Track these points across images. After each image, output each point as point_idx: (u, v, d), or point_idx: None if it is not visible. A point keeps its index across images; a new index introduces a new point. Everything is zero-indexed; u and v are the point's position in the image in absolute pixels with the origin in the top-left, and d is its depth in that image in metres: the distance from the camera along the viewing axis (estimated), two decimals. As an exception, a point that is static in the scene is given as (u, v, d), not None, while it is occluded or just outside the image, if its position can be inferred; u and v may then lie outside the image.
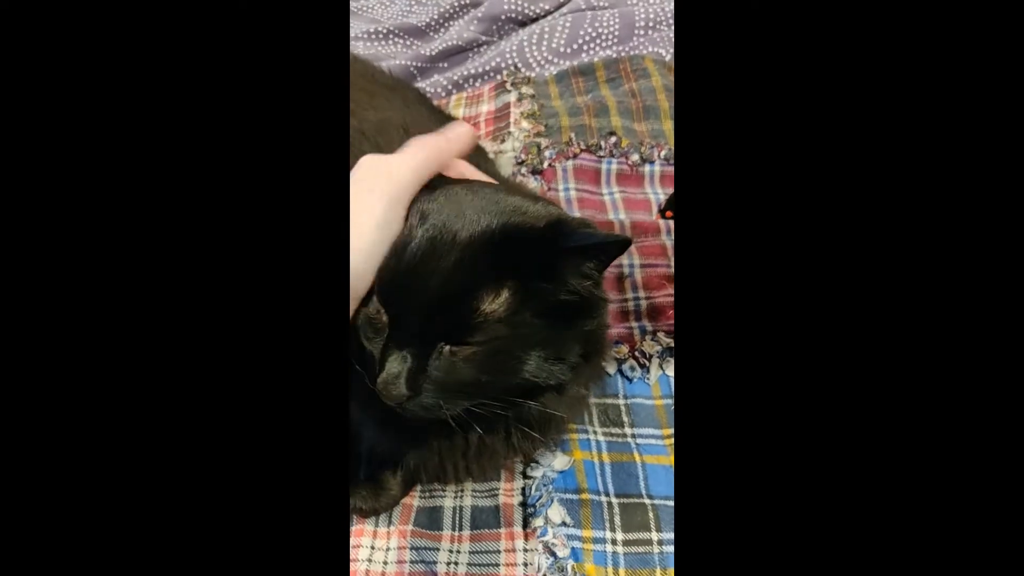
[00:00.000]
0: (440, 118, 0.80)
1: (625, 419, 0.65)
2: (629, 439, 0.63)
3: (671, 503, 0.57)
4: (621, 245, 0.41)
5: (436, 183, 0.46)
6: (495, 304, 0.39)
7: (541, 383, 0.43)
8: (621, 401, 0.66)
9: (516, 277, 0.39)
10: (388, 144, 0.67)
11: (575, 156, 0.89)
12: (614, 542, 0.55)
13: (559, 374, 0.43)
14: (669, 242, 0.79)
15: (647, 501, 0.58)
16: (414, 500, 0.60)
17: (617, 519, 0.56)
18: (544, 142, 0.91)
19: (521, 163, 0.89)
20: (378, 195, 0.40)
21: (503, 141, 0.94)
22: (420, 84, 1.17)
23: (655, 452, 0.62)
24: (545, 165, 0.89)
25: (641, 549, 0.54)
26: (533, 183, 0.87)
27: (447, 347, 0.40)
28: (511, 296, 0.39)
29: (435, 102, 1.05)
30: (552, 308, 0.41)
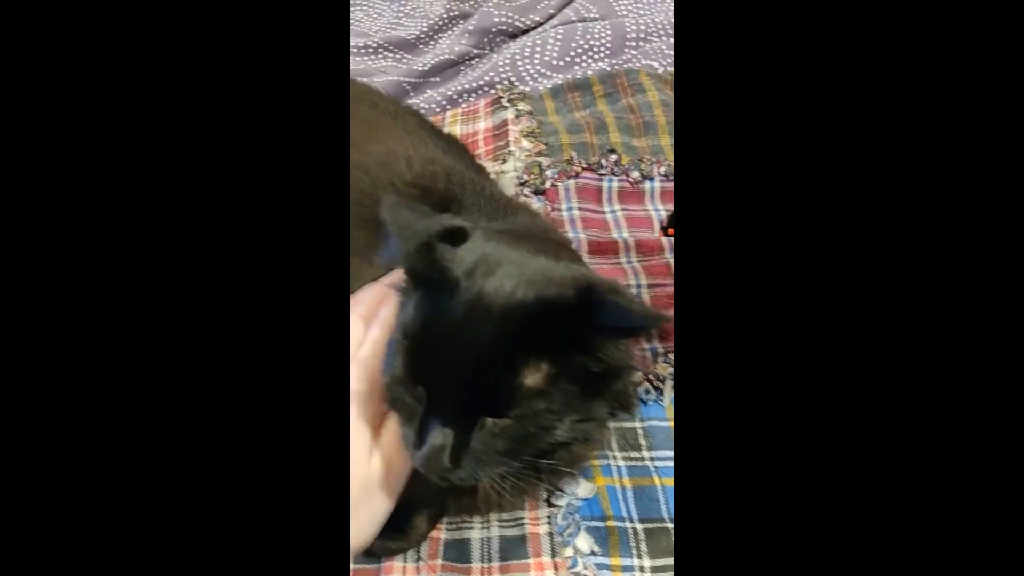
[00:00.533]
0: (443, 142, 0.80)
1: (643, 442, 0.66)
2: (648, 462, 0.64)
3: (692, 525, 0.59)
4: (656, 324, 0.42)
5: (453, 233, 0.45)
6: (535, 378, 0.40)
7: (569, 442, 0.44)
8: (638, 424, 0.67)
9: (553, 351, 0.40)
10: (391, 178, 0.67)
11: (577, 175, 0.90)
12: (642, 569, 0.56)
13: (588, 432, 0.45)
14: (673, 260, 0.81)
15: (669, 525, 0.59)
16: (441, 533, 0.61)
17: (643, 545, 0.57)
18: (545, 161, 0.92)
19: (523, 183, 0.90)
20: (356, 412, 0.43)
21: (504, 161, 0.95)
22: (414, 100, 1.17)
23: (673, 474, 0.63)
24: (547, 185, 0.89)
25: (668, 575, 0.56)
26: (536, 204, 0.88)
27: (488, 420, 0.40)
28: (549, 369, 0.40)
29: (430, 118, 1.05)
30: (585, 376, 0.42)
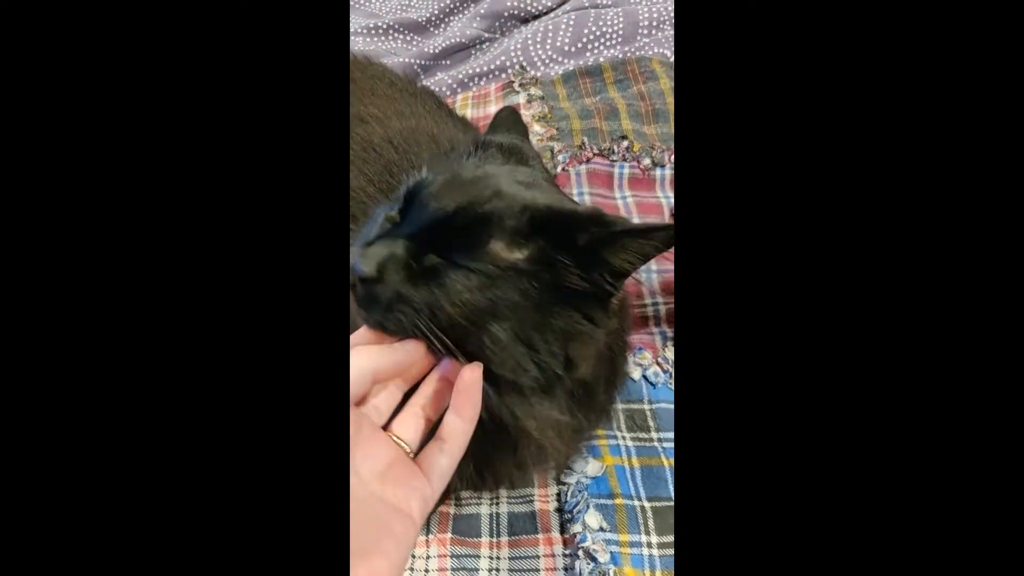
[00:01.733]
0: (462, 125, 0.80)
1: (651, 423, 0.67)
2: (656, 443, 0.65)
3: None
4: (668, 234, 0.39)
5: (513, 151, 0.47)
6: (509, 253, 0.39)
7: (494, 364, 0.41)
8: (646, 406, 0.68)
9: (543, 241, 0.39)
10: (419, 155, 0.68)
11: (588, 160, 0.91)
12: (649, 545, 0.57)
13: (520, 364, 0.41)
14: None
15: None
16: (450, 508, 0.62)
17: (651, 522, 0.58)
18: (557, 146, 0.92)
19: (535, 167, 0.90)
20: None
21: (516, 144, 0.95)
22: (424, 83, 1.17)
23: (681, 456, 0.64)
24: (559, 169, 0.90)
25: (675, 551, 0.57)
26: (548, 187, 0.88)
27: (437, 260, 0.39)
28: (528, 256, 0.39)
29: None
30: (556, 289, 0.40)
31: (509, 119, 0.50)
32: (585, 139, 0.93)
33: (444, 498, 0.62)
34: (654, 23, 1.17)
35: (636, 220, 0.86)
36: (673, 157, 0.91)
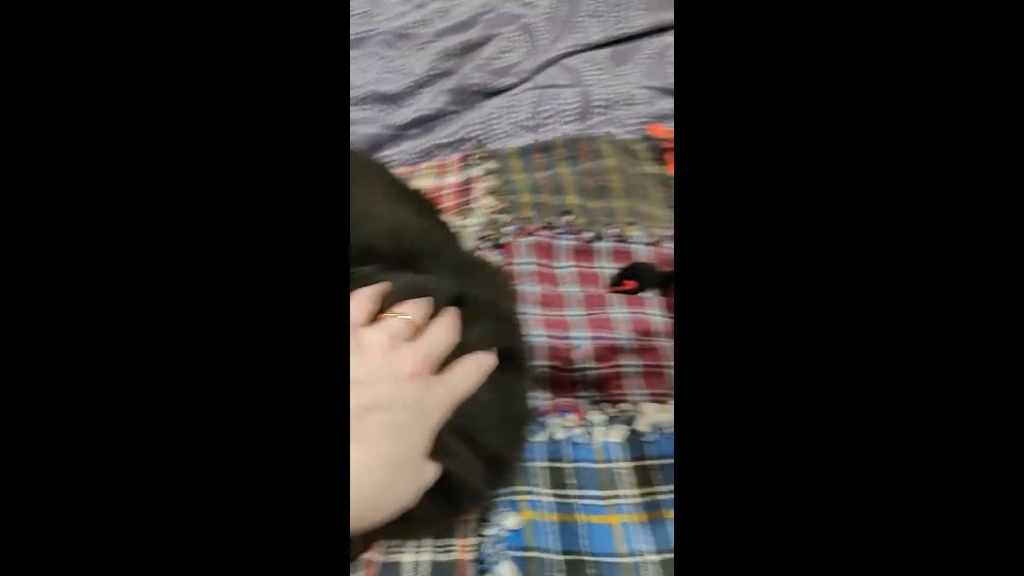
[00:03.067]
0: (407, 197, 0.88)
1: (570, 482, 0.72)
2: (573, 500, 0.71)
3: (611, 559, 0.65)
4: None
5: None
6: None
7: None
8: (567, 465, 0.74)
9: None
10: (367, 235, 0.75)
11: (533, 233, 0.98)
12: (558, 597, 0.62)
13: None
14: (616, 315, 0.88)
15: (590, 558, 0.65)
16: (376, 556, 0.67)
17: (562, 576, 0.63)
18: (505, 219, 1.00)
19: (484, 238, 0.98)
20: None
21: (466, 216, 1.03)
22: (390, 151, 1.25)
23: (597, 512, 0.70)
24: (502, 241, 0.97)
25: (581, 603, 0.62)
26: (495, 257, 0.95)
27: None
28: None
29: (404, 170, 1.14)
30: None
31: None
32: (533, 213, 1.00)
33: (370, 545, 0.66)
34: (608, 103, 1.26)
35: (577, 289, 0.93)
36: (612, 231, 0.99)
